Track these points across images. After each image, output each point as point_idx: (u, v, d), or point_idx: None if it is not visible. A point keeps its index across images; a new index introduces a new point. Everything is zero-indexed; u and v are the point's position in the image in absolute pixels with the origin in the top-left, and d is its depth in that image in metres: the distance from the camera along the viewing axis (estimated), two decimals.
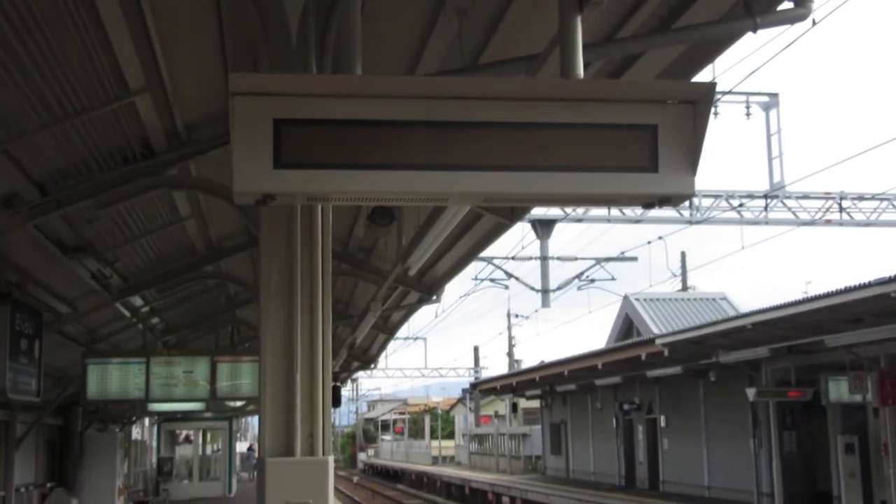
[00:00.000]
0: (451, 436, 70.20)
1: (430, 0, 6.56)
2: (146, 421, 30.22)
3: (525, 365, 46.79)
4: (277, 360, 5.70)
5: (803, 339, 19.86)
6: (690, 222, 26.93)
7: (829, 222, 27.30)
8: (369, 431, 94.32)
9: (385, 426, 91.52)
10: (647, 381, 28.70)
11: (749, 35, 6.14)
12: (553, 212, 27.93)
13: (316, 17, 5.13)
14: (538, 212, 27.24)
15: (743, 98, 26.57)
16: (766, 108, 26.91)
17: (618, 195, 4.14)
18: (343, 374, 29.43)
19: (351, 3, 4.41)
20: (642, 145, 4.05)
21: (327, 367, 5.85)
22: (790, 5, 6.03)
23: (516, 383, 40.72)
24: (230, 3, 6.03)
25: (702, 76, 7.25)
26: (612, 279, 32.41)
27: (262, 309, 5.75)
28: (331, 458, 5.83)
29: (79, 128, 7.42)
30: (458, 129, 3.98)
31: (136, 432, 28.30)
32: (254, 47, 5.68)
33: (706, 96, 4.05)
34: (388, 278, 13.32)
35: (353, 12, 4.41)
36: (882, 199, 27.57)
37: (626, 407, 31.32)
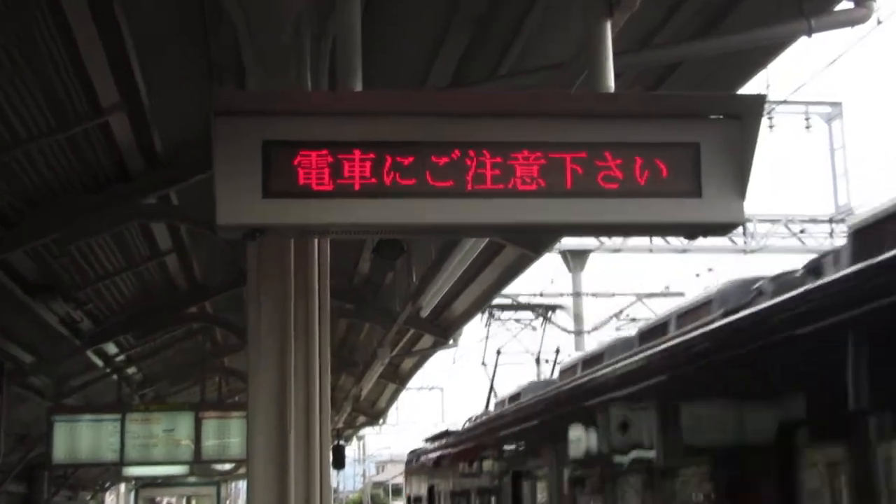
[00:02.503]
0: None
1: (441, 5, 6.63)
2: (122, 487, 30.18)
3: None
4: (268, 416, 5.66)
5: None
6: (745, 251, 26.80)
7: None
8: (378, 497, 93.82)
9: (397, 491, 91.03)
10: None
11: (804, 39, 6.18)
12: (586, 241, 27.84)
13: (311, 25, 5.21)
14: (569, 241, 27.19)
15: (802, 108, 26.54)
16: (829, 119, 26.90)
17: (656, 224, 4.16)
18: (347, 430, 29.36)
19: (350, 9, 4.46)
20: (683, 167, 4.08)
21: (326, 423, 5.83)
22: (850, 5, 6.05)
23: None
24: (214, 10, 6.09)
25: (750, 87, 7.41)
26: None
27: (250, 356, 5.75)
28: None
29: (45, 151, 7.48)
30: (474, 151, 4.02)
31: (110, 500, 28.25)
32: (241, 60, 5.73)
33: (755, 110, 4.08)
34: (398, 320, 13.32)
35: (353, 19, 4.46)
36: None
37: None
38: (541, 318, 17.63)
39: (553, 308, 18.12)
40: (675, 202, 4.07)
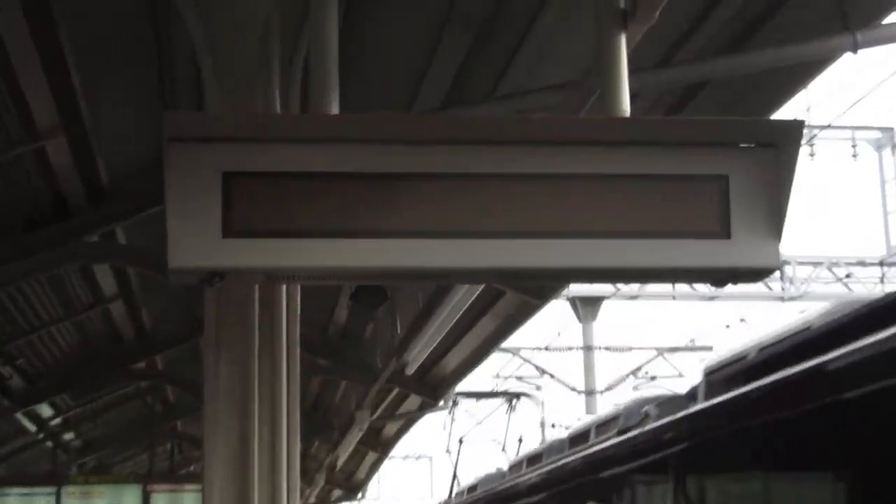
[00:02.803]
0: None
1: (432, 15, 6.65)
2: None
3: None
4: (227, 489, 5.60)
5: None
6: (783, 299, 26.77)
7: None
8: None
9: None
10: None
11: (849, 55, 6.23)
12: (599, 287, 27.82)
13: (281, 35, 5.20)
14: (579, 287, 27.15)
15: (847, 134, 26.61)
16: (878, 146, 26.98)
17: (677, 269, 4.16)
18: None
19: (326, 17, 4.47)
20: (709, 203, 4.09)
21: (295, 499, 5.78)
22: None
23: None
24: (168, 19, 6.08)
25: (787, 110, 7.53)
26: (680, 376, 32.18)
27: (206, 420, 5.72)
28: None
29: None
30: (466, 184, 4.03)
31: None
32: (199, 78, 5.78)
33: (792, 137, 4.09)
34: (380, 378, 13.30)
35: (329, 30, 4.46)
36: None
37: None
38: (509, 404, 18.57)
39: (518, 395, 18.91)
40: (699, 244, 4.08)
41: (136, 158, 8.05)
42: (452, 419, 18.46)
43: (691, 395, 7.52)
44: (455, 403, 18.07)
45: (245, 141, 4.00)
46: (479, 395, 19.40)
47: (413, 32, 6.85)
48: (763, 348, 6.53)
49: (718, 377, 6.95)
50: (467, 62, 6.91)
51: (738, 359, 6.78)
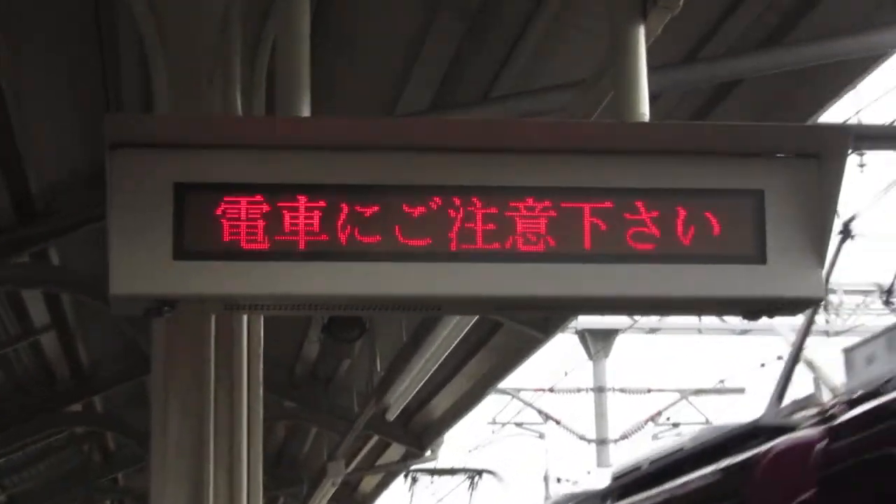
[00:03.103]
0: None
1: (418, 2, 6.65)
2: None
3: None
4: None
5: None
6: (828, 333, 26.70)
7: None
8: None
9: None
10: None
11: None
12: (612, 318, 27.73)
13: (243, 24, 5.17)
14: (590, 318, 27.09)
15: None
16: None
17: (704, 299, 4.17)
18: None
19: (294, 4, 4.45)
20: (742, 222, 4.10)
21: None
22: None
23: None
24: (114, 9, 6.08)
25: (833, 114, 7.37)
26: (707, 422, 32.10)
27: (153, 473, 5.67)
28: None
29: None
30: (459, 198, 4.02)
31: None
32: (147, 74, 5.74)
33: (839, 146, 4.08)
34: (356, 423, 13.18)
35: (298, 19, 4.43)
36: None
37: None
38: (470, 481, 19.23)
39: (480, 473, 19.31)
40: (730, 270, 4.09)
41: (73, 168, 8.04)
42: (412, 495, 18.86)
43: (604, 496, 9.76)
44: (415, 480, 18.46)
45: (200, 147, 3.99)
46: (435, 473, 19.73)
47: (396, 22, 6.83)
48: (652, 462, 8.93)
49: (622, 483, 9.38)
50: (459, 57, 6.89)
51: (635, 468, 9.23)
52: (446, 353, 10.45)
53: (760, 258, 4.09)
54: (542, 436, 32.41)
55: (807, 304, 4.30)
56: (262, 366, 5.88)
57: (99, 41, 6.46)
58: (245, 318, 5.71)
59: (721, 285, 4.08)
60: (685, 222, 4.08)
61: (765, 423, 7.84)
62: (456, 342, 10.04)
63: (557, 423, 31.24)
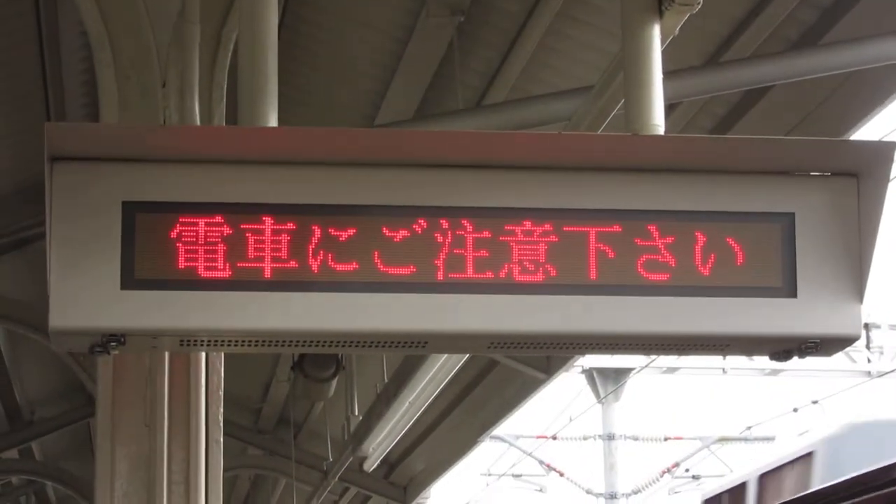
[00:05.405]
0: None
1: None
2: None
3: None
4: None
5: None
6: (870, 374, 26.87)
7: None
8: None
9: None
10: None
11: None
12: (624, 357, 27.73)
13: (202, 25, 4.99)
14: (597, 357, 27.13)
15: None
16: None
17: (726, 337, 4.16)
18: None
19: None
20: (769, 249, 4.06)
21: None
22: None
23: None
24: (56, 8, 5.92)
25: (872, 129, 7.40)
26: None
27: None
28: None
29: None
30: (447, 220, 3.96)
31: None
32: (93, 79, 5.60)
33: (878, 164, 3.97)
34: (331, 474, 13.29)
35: (265, 16, 4.33)
36: None
37: None
38: None
39: None
40: (756, 303, 4.07)
41: (13, 178, 8.02)
42: None
43: None
44: None
45: (153, 161, 3.95)
46: None
47: (377, 20, 6.81)
48: None
49: None
50: (448, 60, 6.78)
51: None
52: (434, 395, 10.39)
53: (790, 291, 4.07)
54: (542, 489, 32.46)
55: (843, 344, 4.21)
56: (222, 408, 5.81)
57: (39, 40, 6.33)
58: (203, 355, 5.64)
59: (745, 322, 4.08)
60: (704, 250, 4.05)
61: None
62: (444, 383, 10.02)
63: (561, 474, 31.28)
